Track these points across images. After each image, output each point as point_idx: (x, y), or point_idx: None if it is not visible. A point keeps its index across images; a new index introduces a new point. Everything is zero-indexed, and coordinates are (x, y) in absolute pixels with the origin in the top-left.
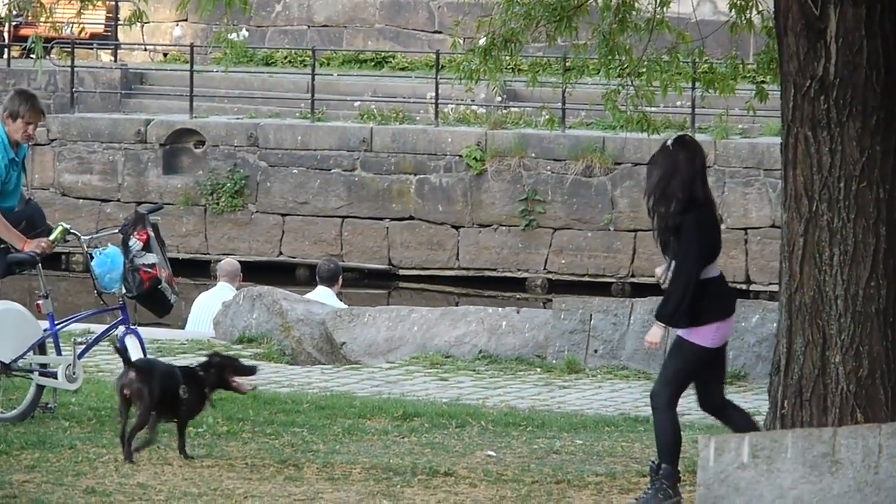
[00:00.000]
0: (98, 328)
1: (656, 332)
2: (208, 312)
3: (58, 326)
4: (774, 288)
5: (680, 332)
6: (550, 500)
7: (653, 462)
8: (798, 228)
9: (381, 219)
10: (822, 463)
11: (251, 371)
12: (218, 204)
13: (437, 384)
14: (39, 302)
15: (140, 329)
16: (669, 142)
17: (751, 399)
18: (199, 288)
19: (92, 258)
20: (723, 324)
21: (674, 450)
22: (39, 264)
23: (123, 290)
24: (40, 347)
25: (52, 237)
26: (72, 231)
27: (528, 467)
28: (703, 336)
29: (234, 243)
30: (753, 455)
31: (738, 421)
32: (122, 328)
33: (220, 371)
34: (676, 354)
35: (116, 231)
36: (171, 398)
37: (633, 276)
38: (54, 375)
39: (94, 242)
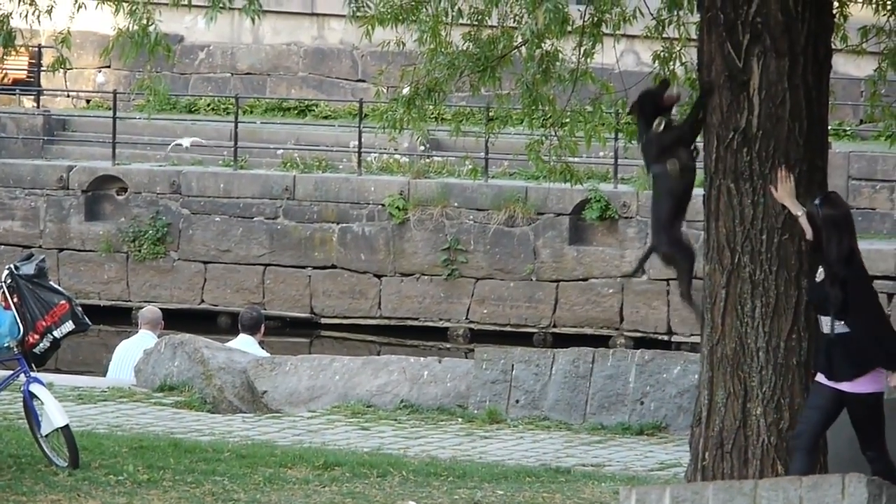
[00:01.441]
0: None
1: None
2: (129, 360)
3: None
4: (696, 339)
5: (849, 388)
6: None
7: None
8: (720, 280)
9: (303, 267)
10: None
11: None
12: (140, 251)
13: (358, 433)
14: None
15: (61, 376)
16: (817, 201)
17: (672, 450)
18: (121, 335)
19: None
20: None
21: None
22: None
23: (71, 328)
24: None
25: None
26: None
27: None
28: (876, 381)
29: (155, 290)
30: None
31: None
32: (23, 377)
33: None
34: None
35: None
36: None
37: (554, 326)
38: None
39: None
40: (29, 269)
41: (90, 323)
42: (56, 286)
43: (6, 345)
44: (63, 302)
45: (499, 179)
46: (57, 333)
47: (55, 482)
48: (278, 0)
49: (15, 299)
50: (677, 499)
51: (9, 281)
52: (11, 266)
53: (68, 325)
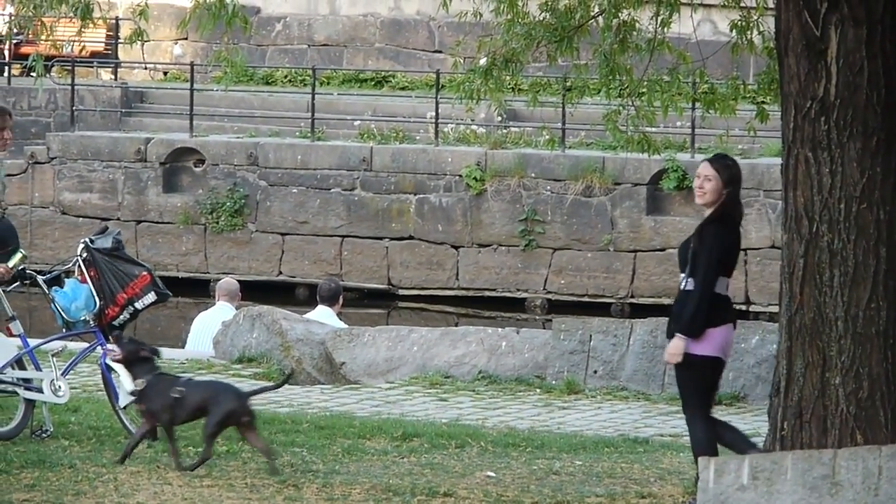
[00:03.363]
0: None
1: (678, 345)
2: (208, 332)
3: (32, 346)
4: (774, 309)
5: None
6: None
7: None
8: (798, 249)
9: (380, 238)
10: (822, 485)
11: None
12: (218, 223)
13: (436, 404)
14: (9, 325)
15: None
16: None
17: (750, 420)
18: (199, 307)
19: (51, 295)
20: (723, 329)
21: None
22: (0, 288)
23: (153, 299)
24: (18, 364)
25: (11, 263)
26: (28, 271)
27: (528, 488)
28: (710, 346)
29: (233, 262)
30: (753, 477)
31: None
32: (100, 349)
33: None
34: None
35: (70, 265)
36: None
37: (632, 296)
38: (39, 390)
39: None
40: (105, 242)
41: (170, 293)
42: (134, 258)
43: (82, 318)
44: (144, 273)
45: (576, 150)
46: (139, 305)
47: (135, 454)
48: None
49: (91, 273)
50: (756, 469)
51: (84, 255)
52: (87, 240)
53: (150, 297)
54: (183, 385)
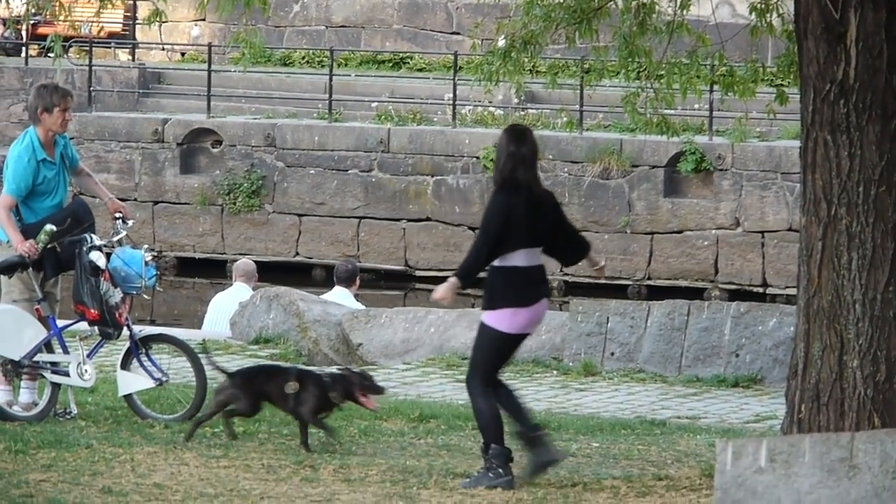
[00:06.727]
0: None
1: (445, 288)
2: (225, 312)
3: (61, 327)
4: (792, 291)
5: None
6: (567, 503)
7: (482, 444)
8: (817, 232)
9: (397, 220)
10: (840, 467)
11: (379, 390)
12: (235, 204)
13: (453, 386)
14: (38, 306)
15: (157, 329)
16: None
17: (768, 403)
18: (216, 288)
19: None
20: (520, 310)
21: (495, 429)
22: (30, 267)
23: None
24: (47, 346)
25: (37, 239)
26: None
27: (545, 470)
28: (498, 320)
29: (250, 243)
30: (771, 459)
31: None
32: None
33: (347, 385)
34: (477, 338)
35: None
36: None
37: (649, 278)
38: (66, 373)
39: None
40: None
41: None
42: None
43: (138, 284)
44: (94, 311)
45: (594, 132)
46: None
47: (151, 434)
48: None
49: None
50: (773, 451)
51: (110, 246)
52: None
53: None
54: None
